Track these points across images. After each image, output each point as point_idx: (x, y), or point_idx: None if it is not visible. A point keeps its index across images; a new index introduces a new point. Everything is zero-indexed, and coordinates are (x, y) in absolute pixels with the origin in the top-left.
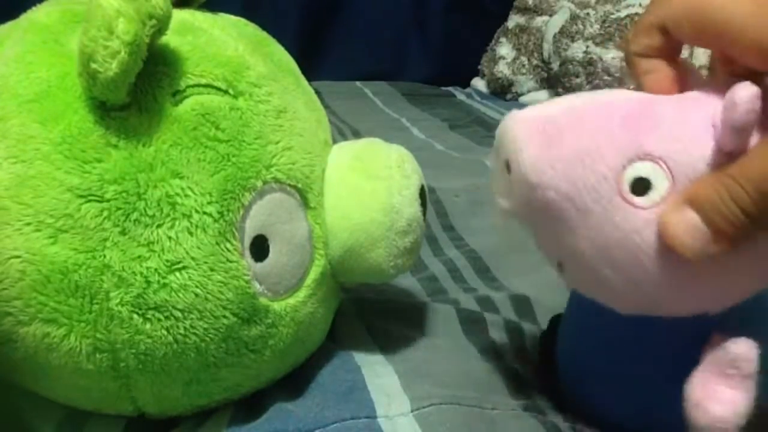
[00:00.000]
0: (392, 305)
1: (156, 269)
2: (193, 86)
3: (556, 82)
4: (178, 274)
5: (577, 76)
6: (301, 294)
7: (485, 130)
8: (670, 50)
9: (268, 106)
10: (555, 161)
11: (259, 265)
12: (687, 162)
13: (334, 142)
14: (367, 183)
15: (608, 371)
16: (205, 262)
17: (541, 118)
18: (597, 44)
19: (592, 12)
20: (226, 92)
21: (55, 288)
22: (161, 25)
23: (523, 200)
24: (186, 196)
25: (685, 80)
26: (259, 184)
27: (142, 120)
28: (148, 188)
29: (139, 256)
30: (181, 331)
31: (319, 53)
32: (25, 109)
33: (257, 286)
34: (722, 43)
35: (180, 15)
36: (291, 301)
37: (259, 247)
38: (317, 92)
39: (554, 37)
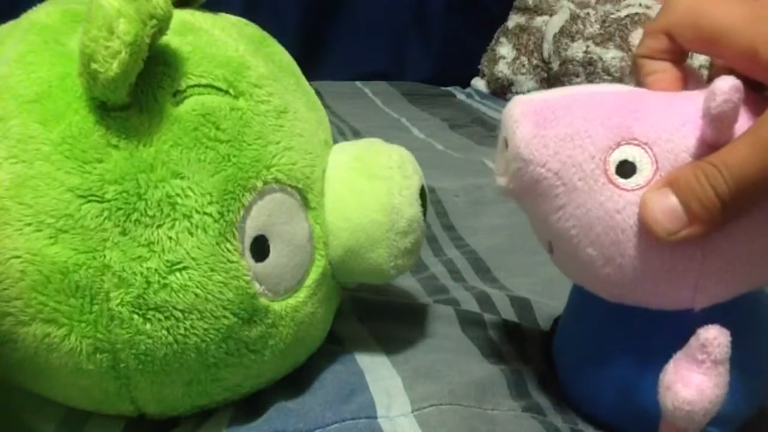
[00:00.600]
0: (392, 305)
1: (156, 269)
2: (193, 86)
3: (556, 82)
4: (178, 274)
5: (577, 76)
6: (302, 294)
7: (485, 130)
8: (675, 54)
9: (268, 107)
10: (547, 140)
11: (260, 265)
12: (671, 149)
13: (335, 142)
14: (367, 183)
15: (596, 366)
16: (206, 263)
17: (538, 101)
18: (597, 44)
19: (592, 12)
20: (226, 92)
21: (55, 288)
22: (162, 25)
23: (516, 177)
24: (186, 196)
25: (687, 84)
26: (260, 184)
27: (142, 120)
28: (149, 188)
29: (140, 257)
30: (182, 331)
31: (319, 53)
32: (25, 109)
33: (257, 287)
34: (717, 49)
35: (180, 15)
36: (291, 301)
37: (260, 248)
38: (317, 92)
39: (554, 37)
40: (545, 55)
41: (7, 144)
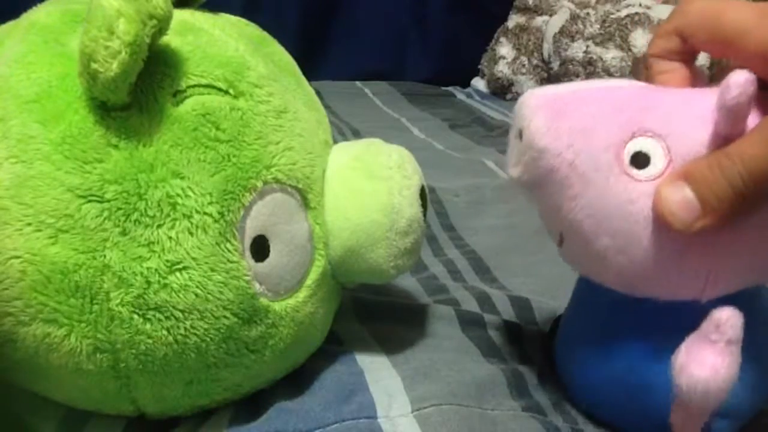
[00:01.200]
0: (392, 305)
1: (156, 269)
2: (193, 86)
3: (556, 82)
4: (178, 274)
5: (577, 76)
6: (302, 294)
7: (485, 130)
8: (685, 55)
9: (268, 107)
10: (562, 130)
11: (260, 265)
12: (685, 142)
13: (335, 142)
14: (367, 183)
15: (603, 359)
16: (206, 263)
17: (554, 93)
18: (597, 44)
19: (592, 12)
20: (226, 92)
21: (55, 288)
22: (162, 25)
23: (530, 167)
24: (186, 196)
25: (694, 84)
26: (260, 184)
27: (142, 120)
28: (149, 188)
29: (140, 257)
30: (182, 331)
31: (319, 53)
32: (25, 109)
33: (257, 287)
34: (730, 50)
35: (180, 15)
36: (291, 301)
37: (260, 248)
38: (317, 92)
39: (554, 37)
40: (545, 55)
41: (7, 144)
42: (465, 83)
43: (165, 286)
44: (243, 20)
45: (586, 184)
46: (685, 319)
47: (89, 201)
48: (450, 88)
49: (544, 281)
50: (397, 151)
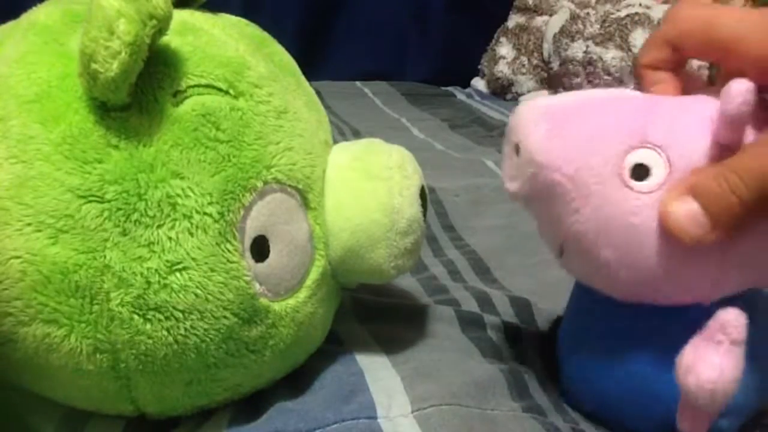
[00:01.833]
0: (392, 306)
1: (156, 270)
2: (193, 86)
3: (556, 82)
4: (178, 274)
5: (577, 76)
6: (302, 294)
7: (485, 130)
8: (675, 63)
9: (268, 107)
10: (561, 144)
11: (260, 265)
12: (685, 152)
13: (335, 142)
14: (367, 183)
15: (606, 364)
16: (206, 263)
17: (551, 105)
18: (597, 44)
19: (592, 12)
20: (226, 93)
21: (55, 288)
22: (162, 25)
23: (529, 182)
24: (186, 196)
25: (687, 86)
26: (260, 184)
27: (142, 120)
28: (149, 189)
29: (140, 257)
30: (182, 331)
31: (319, 53)
32: (25, 109)
33: (258, 287)
34: (727, 57)
35: (180, 15)
36: (291, 301)
37: (260, 248)
38: (317, 92)
39: (554, 36)
40: (545, 55)
41: (7, 144)
42: (465, 83)
43: (165, 286)
44: (243, 20)
45: (586, 198)
46: (687, 321)
47: (89, 201)
48: (450, 88)
49: (544, 282)
50: (397, 151)
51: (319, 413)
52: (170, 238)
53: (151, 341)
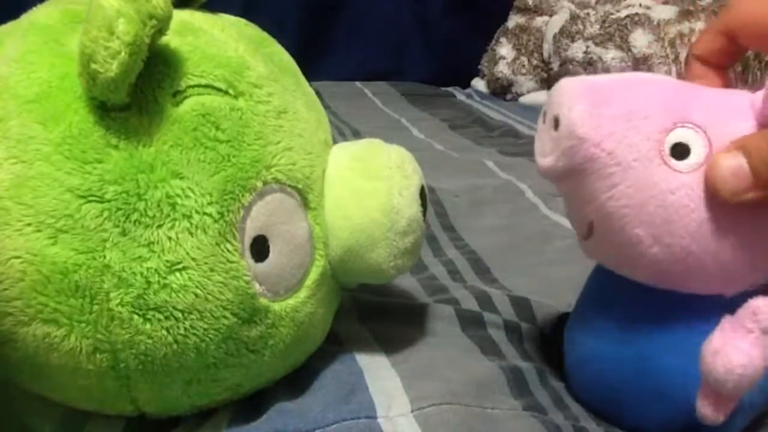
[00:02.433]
0: (392, 305)
1: (156, 270)
2: (193, 86)
3: (556, 83)
4: (178, 274)
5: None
6: (302, 294)
7: (485, 130)
8: (728, 56)
9: (268, 107)
10: (603, 119)
11: (260, 265)
12: (725, 133)
13: (334, 142)
14: (367, 183)
15: (619, 347)
16: (206, 263)
17: (594, 81)
18: (597, 44)
19: (592, 12)
20: (226, 93)
21: (55, 288)
22: (162, 25)
23: (566, 156)
24: (186, 196)
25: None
26: (260, 184)
27: (142, 120)
28: (149, 189)
29: (140, 257)
30: (181, 331)
31: (319, 53)
32: (25, 109)
33: (257, 287)
34: None
35: (180, 15)
36: (291, 301)
37: (260, 248)
38: (317, 92)
39: (554, 37)
40: (545, 55)
41: (6, 144)
42: (465, 83)
43: (165, 286)
44: (243, 20)
45: (626, 173)
46: (708, 312)
47: (89, 201)
48: (450, 89)
49: (544, 281)
50: (397, 151)
51: (318, 413)
52: (170, 238)
53: (150, 341)
